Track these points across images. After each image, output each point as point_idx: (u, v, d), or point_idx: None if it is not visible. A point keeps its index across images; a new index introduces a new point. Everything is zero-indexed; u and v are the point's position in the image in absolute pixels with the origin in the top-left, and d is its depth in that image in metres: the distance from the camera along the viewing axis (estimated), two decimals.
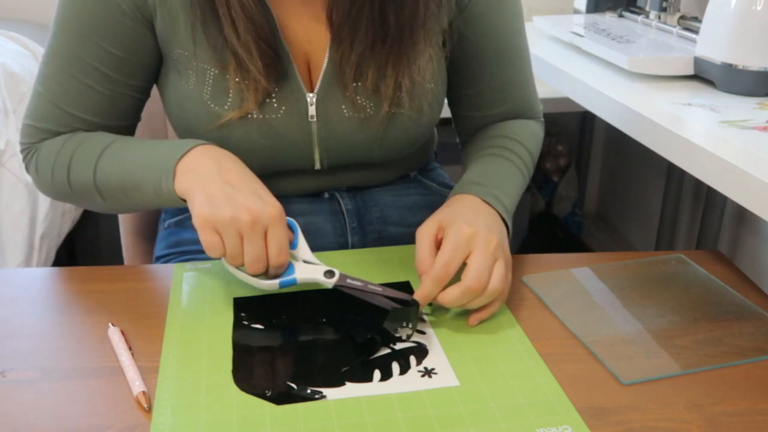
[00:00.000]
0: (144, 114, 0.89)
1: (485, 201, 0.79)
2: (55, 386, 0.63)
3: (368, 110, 0.84)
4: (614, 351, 0.69)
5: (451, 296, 0.70)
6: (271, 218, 0.71)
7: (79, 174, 0.80)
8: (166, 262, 0.96)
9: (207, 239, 0.71)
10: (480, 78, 0.91)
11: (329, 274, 0.73)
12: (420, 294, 0.71)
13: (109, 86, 0.82)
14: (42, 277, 0.83)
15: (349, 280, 0.73)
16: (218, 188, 0.72)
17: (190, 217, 0.98)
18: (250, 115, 0.82)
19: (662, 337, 0.71)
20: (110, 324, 0.71)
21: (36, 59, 1.69)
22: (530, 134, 0.93)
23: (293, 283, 0.73)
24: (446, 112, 0.97)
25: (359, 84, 0.83)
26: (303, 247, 0.76)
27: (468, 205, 0.78)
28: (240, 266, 0.73)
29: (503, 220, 0.79)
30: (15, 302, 0.76)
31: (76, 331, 0.71)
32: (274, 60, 0.80)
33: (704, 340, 0.70)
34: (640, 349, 0.69)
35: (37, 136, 0.83)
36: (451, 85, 0.92)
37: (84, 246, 1.92)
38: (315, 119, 0.84)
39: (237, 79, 0.80)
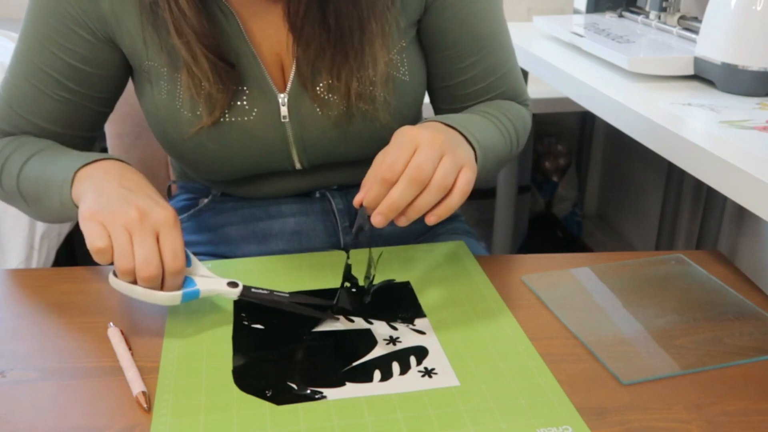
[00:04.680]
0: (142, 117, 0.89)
1: (446, 124, 0.75)
2: (55, 386, 0.63)
3: (340, 108, 0.84)
4: (614, 351, 0.69)
5: (396, 191, 0.65)
6: (164, 219, 0.68)
7: (8, 176, 0.81)
8: None
9: (90, 229, 0.66)
10: (459, 70, 0.89)
11: (232, 284, 0.70)
12: (368, 198, 0.67)
13: (63, 94, 0.82)
14: (42, 277, 0.83)
15: (253, 290, 0.71)
16: (112, 189, 0.70)
17: (182, 221, 0.99)
18: (223, 119, 0.82)
19: (662, 337, 0.71)
20: (110, 324, 0.71)
21: None
22: (514, 110, 0.90)
23: (196, 295, 0.69)
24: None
25: (330, 81, 0.83)
26: (198, 264, 0.72)
27: (421, 124, 0.74)
28: (134, 281, 0.67)
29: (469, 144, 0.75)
30: (15, 302, 0.76)
31: (76, 331, 0.71)
32: (222, 67, 0.79)
33: (704, 340, 0.70)
34: (640, 349, 0.69)
35: None
36: (430, 79, 0.91)
37: (84, 246, 1.92)
38: (288, 119, 0.84)
39: (189, 87, 0.80)
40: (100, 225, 0.66)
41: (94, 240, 0.66)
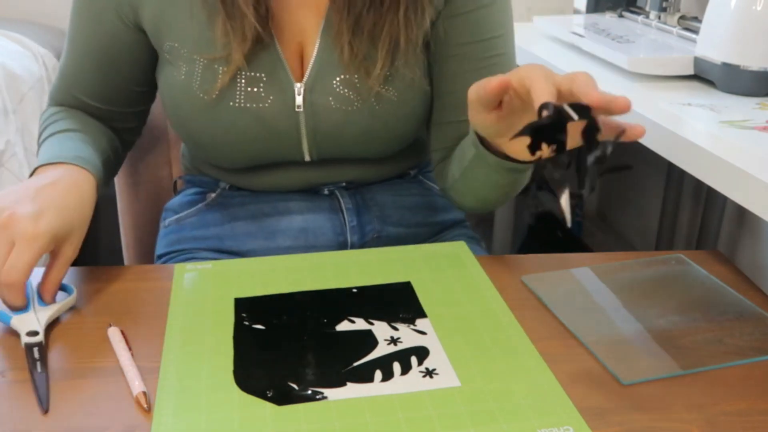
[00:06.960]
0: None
1: None
2: (55, 386, 0.63)
3: (355, 104, 0.85)
4: (614, 351, 0.69)
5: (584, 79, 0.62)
6: (24, 232, 0.67)
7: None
8: (167, 260, 0.96)
9: None
10: (463, 73, 0.87)
11: (31, 333, 0.68)
12: (539, 93, 0.60)
13: (97, 73, 0.89)
14: None
15: (36, 353, 0.66)
16: (22, 192, 0.71)
17: (189, 216, 0.99)
18: (237, 104, 0.83)
19: (662, 337, 0.71)
20: (110, 324, 0.71)
21: (36, 59, 1.68)
22: None
23: (6, 320, 0.69)
24: None
25: (347, 76, 0.84)
26: (54, 309, 0.71)
27: None
28: None
29: None
30: None
31: (76, 331, 0.71)
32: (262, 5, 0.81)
33: (704, 340, 0.71)
34: (640, 349, 0.69)
35: (50, 102, 0.94)
36: (433, 85, 0.90)
37: (84, 246, 1.92)
38: (302, 109, 0.85)
39: (225, 27, 0.81)
40: None
41: None
